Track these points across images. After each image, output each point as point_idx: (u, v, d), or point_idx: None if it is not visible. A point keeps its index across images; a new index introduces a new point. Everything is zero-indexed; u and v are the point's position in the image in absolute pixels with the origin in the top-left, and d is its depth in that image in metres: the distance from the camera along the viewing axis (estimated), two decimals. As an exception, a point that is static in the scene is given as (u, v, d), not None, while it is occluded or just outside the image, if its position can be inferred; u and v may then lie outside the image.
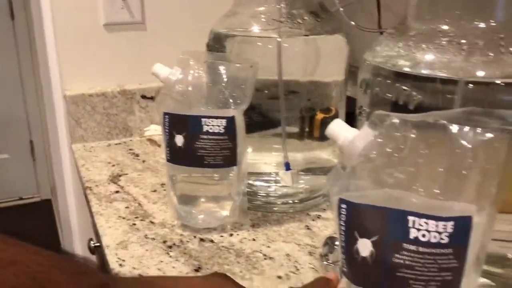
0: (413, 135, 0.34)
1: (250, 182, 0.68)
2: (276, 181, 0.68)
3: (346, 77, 0.66)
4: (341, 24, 0.64)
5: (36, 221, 2.36)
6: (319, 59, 0.63)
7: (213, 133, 0.56)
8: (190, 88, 0.57)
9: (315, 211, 0.65)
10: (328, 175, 0.37)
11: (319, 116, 0.64)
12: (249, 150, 0.68)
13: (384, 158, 0.35)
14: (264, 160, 0.70)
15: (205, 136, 0.56)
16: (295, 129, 0.65)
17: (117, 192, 0.71)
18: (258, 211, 0.65)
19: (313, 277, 0.51)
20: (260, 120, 0.65)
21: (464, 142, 0.32)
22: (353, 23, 0.73)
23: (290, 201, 0.67)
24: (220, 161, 0.57)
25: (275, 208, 0.66)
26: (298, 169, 0.67)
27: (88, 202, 0.71)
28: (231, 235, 0.59)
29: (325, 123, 0.64)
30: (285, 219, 0.63)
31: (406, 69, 0.40)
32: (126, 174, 0.77)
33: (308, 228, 0.61)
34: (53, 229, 2.19)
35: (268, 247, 0.57)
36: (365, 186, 0.36)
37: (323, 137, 0.62)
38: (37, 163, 2.50)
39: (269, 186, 0.68)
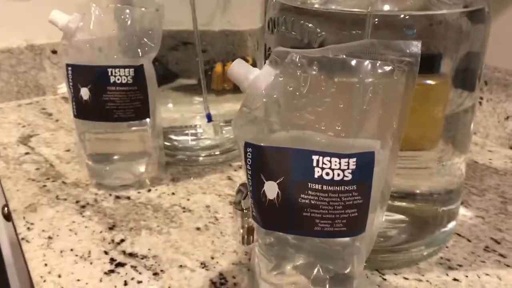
0: (314, 72, 0.33)
1: (172, 137, 0.65)
2: (198, 134, 0.66)
3: (263, 24, 0.64)
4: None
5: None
6: (231, 4, 0.60)
7: (121, 84, 0.52)
8: (93, 36, 0.53)
9: (237, 161, 0.64)
10: (234, 119, 0.36)
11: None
12: (170, 105, 0.66)
13: (286, 97, 0.34)
14: (185, 114, 0.67)
15: (112, 88, 0.52)
16: (208, 81, 0.63)
17: (27, 153, 0.66)
18: (180, 165, 0.63)
19: (233, 226, 0.50)
20: (170, 73, 0.62)
21: (363, 76, 0.31)
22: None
23: (213, 153, 0.65)
24: (131, 114, 0.54)
25: (198, 161, 0.64)
26: (219, 120, 0.65)
27: (-5, 166, 0.66)
28: (149, 190, 0.57)
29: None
30: (206, 171, 0.62)
31: (310, 5, 0.38)
32: (38, 134, 0.72)
33: (230, 179, 0.60)
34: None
35: (188, 200, 0.55)
36: (270, 127, 0.35)
37: (236, 89, 0.60)
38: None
39: (191, 140, 0.66)
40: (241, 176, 0.60)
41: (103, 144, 0.58)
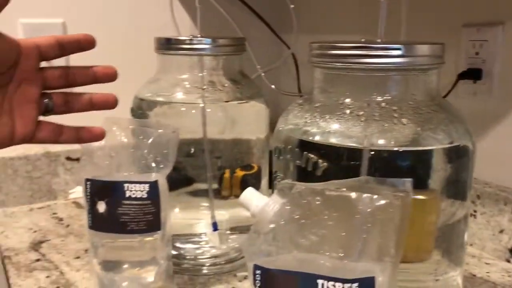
0: (317, 202, 0.36)
1: (178, 245, 0.67)
2: (204, 242, 0.69)
3: (267, 135, 0.69)
4: (260, 89, 0.68)
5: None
6: (239, 121, 0.65)
7: (136, 198, 0.56)
8: (112, 154, 0.58)
9: (242, 271, 0.66)
10: (243, 241, 0.39)
11: (239, 173, 0.66)
12: (176, 210, 0.69)
13: (292, 224, 0.37)
14: (191, 221, 0.70)
15: (127, 202, 0.56)
16: (217, 187, 0.66)
17: (37, 260, 0.68)
18: (186, 274, 0.65)
19: None
20: (178, 177, 0.66)
21: (362, 207, 0.35)
22: (273, 87, 0.77)
23: (218, 262, 0.67)
24: (144, 226, 0.57)
25: (203, 271, 0.66)
26: (225, 228, 0.68)
27: (6, 272, 0.67)
28: (156, 301, 0.58)
29: (246, 180, 0.66)
30: (212, 282, 0.64)
31: (313, 139, 0.43)
32: (49, 240, 0.75)
33: (235, 290, 0.62)
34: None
35: (194, 311, 0.56)
36: (278, 251, 0.38)
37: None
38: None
39: (197, 248, 0.68)
40: None
41: (114, 253, 0.60)
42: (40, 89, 0.44)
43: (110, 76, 0.47)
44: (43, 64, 0.45)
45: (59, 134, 0.46)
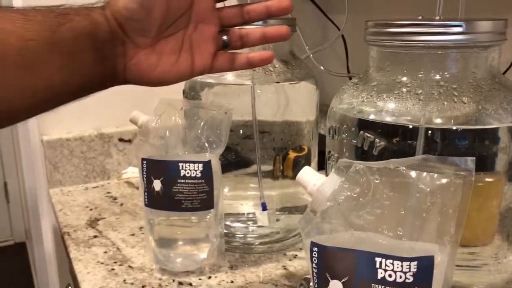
0: (376, 180, 0.36)
1: (228, 223, 0.69)
2: (253, 222, 0.70)
3: (317, 116, 0.69)
4: (310, 70, 0.68)
5: (9, 265, 2.30)
6: (290, 102, 0.66)
7: (190, 177, 0.57)
8: (167, 134, 0.59)
9: (292, 251, 0.67)
10: (300, 219, 0.39)
11: (291, 155, 0.66)
12: (226, 190, 0.70)
13: (350, 202, 0.37)
14: (241, 201, 0.71)
15: (182, 180, 0.58)
16: (269, 168, 0.67)
17: (95, 236, 0.72)
18: (236, 252, 0.66)
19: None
20: (234, 159, 0.67)
21: (422, 186, 0.35)
22: (322, 68, 0.77)
23: (268, 241, 0.68)
24: (198, 204, 0.58)
25: (253, 249, 0.67)
26: (274, 209, 0.69)
27: (66, 247, 0.71)
28: (210, 277, 0.60)
29: (297, 162, 0.66)
30: (262, 260, 0.65)
31: (370, 117, 0.43)
32: (104, 218, 0.78)
33: (285, 268, 0.62)
34: (26, 273, 2.14)
35: (246, 288, 0.58)
36: (335, 229, 0.38)
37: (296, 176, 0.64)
38: (11, 205, 2.46)
39: (246, 227, 0.70)
40: (295, 266, 0.63)
41: (168, 230, 0.62)
42: (217, 28, 0.46)
43: (284, 9, 0.47)
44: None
45: (233, 62, 0.48)
